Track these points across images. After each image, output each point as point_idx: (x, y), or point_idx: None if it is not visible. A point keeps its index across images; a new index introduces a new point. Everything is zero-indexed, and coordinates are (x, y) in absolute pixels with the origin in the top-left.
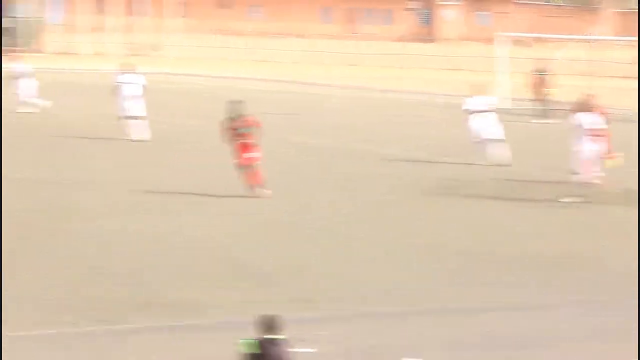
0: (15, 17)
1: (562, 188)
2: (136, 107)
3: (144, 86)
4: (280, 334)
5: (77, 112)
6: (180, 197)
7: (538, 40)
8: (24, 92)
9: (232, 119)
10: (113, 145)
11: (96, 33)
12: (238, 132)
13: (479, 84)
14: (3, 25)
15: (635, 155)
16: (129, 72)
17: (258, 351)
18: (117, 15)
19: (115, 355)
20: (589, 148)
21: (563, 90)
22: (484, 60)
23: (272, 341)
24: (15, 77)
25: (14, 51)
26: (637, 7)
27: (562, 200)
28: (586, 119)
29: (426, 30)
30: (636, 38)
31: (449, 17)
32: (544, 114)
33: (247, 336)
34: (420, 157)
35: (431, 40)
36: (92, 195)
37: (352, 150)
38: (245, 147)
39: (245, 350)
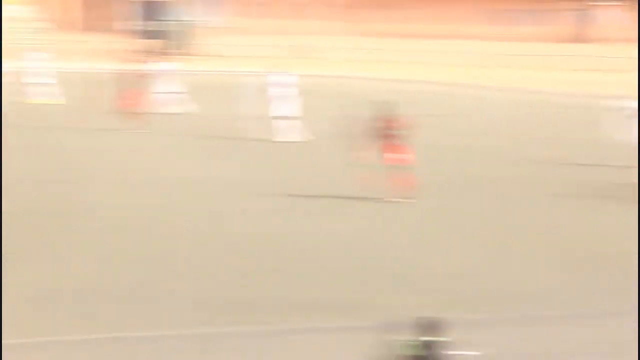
0: (168, 21)
1: None
2: (284, 108)
3: (293, 87)
4: (443, 337)
5: (221, 113)
6: (320, 199)
7: None
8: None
9: (380, 119)
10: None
11: (253, 36)
12: (386, 132)
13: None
14: (156, 29)
15: None
16: (278, 73)
17: (421, 353)
18: (276, 18)
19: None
20: None
21: None
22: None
23: (435, 343)
24: (157, 77)
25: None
26: None
27: None
28: None
29: (583, 31)
30: None
31: (609, 17)
32: None
33: (401, 338)
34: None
35: (588, 41)
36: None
37: (501, 152)
38: (393, 148)
39: (405, 352)
